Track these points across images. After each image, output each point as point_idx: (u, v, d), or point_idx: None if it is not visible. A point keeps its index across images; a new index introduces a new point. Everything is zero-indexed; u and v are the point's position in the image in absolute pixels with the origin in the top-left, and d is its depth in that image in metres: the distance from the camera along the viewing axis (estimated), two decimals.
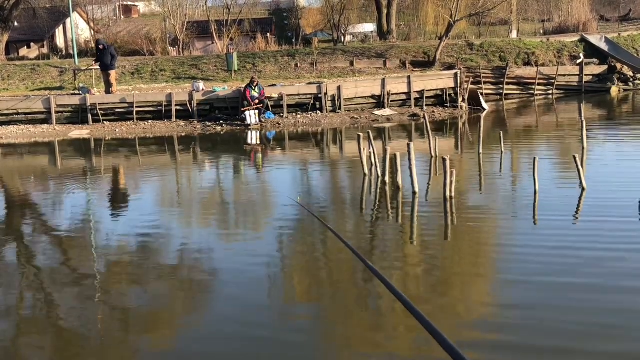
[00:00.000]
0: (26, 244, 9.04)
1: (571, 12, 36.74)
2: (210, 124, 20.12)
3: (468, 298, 6.43)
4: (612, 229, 8.14)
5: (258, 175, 13.87)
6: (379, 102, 21.78)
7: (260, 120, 20.06)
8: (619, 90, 26.29)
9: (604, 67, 26.78)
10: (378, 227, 9.14)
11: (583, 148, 13.07)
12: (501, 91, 25.10)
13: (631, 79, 27.08)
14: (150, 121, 20.64)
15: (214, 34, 33.90)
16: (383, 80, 22.00)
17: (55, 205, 11.61)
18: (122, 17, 53.96)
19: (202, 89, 21.17)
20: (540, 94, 25.75)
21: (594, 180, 10.44)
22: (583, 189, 9.88)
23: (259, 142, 18.45)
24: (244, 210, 10.33)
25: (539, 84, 25.69)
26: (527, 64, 26.46)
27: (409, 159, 10.06)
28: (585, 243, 7.68)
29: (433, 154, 13.01)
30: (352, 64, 25.63)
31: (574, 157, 9.83)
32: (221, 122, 20.19)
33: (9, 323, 6.22)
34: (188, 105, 20.83)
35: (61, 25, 41.68)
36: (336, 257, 7.65)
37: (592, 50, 27.34)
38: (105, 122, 20.48)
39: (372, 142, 12.01)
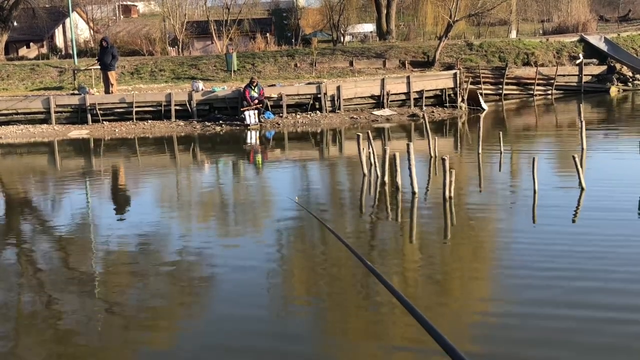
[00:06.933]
0: (25, 244, 9.03)
1: (570, 12, 36.75)
2: (209, 124, 20.12)
3: (467, 297, 6.43)
4: (611, 229, 8.15)
5: (257, 176, 13.88)
6: (378, 102, 21.79)
7: (259, 121, 20.06)
8: (618, 91, 26.29)
9: (603, 68, 26.79)
10: (377, 227, 9.15)
11: (582, 148, 13.07)
12: (500, 91, 25.11)
13: (630, 79, 27.09)
14: (149, 121, 20.63)
15: (214, 34, 33.88)
16: (382, 80, 22.01)
17: (54, 205, 11.61)
18: (122, 17, 53.95)
19: (202, 89, 21.16)
20: (540, 94, 25.75)
21: (593, 180, 10.45)
22: (582, 189, 9.88)
23: (258, 142, 18.44)
24: (243, 210, 10.34)
25: (538, 84, 25.69)
26: (526, 64, 26.47)
27: (409, 159, 10.06)
28: (584, 243, 7.69)
29: (432, 154, 13.01)
30: (351, 64, 25.64)
31: (573, 157, 9.83)
32: (220, 122, 20.19)
33: (9, 323, 6.22)
34: (187, 105, 20.82)
35: (60, 25, 41.67)
36: (335, 257, 7.65)
37: (591, 51, 27.34)
38: (104, 122, 20.47)
39: (372, 142, 12.01)
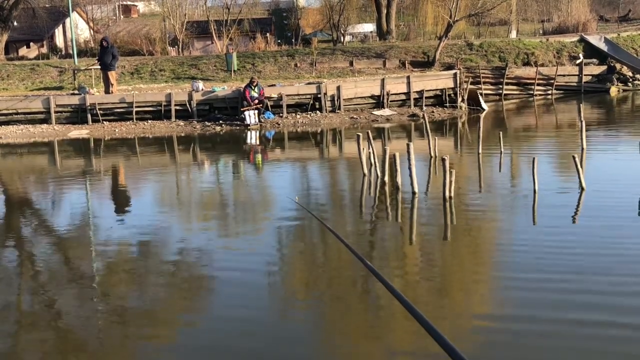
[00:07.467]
0: (26, 244, 9.03)
1: (570, 12, 36.75)
2: (209, 124, 20.12)
3: (467, 298, 6.43)
4: (612, 229, 8.15)
5: (257, 175, 13.88)
6: (378, 102, 21.78)
7: (259, 120, 20.06)
8: (618, 91, 26.29)
9: (603, 68, 26.79)
10: (377, 227, 9.15)
11: (582, 148, 13.08)
12: (500, 91, 25.11)
13: (630, 79, 27.09)
14: (149, 121, 20.63)
15: (214, 33, 33.87)
16: (382, 80, 22.00)
17: (54, 205, 11.61)
18: (122, 16, 53.94)
19: (202, 89, 21.16)
20: (540, 94, 25.74)
21: (593, 180, 10.44)
22: (582, 189, 9.88)
23: (258, 142, 18.44)
24: (243, 210, 10.34)
25: (538, 84, 25.69)
26: (526, 64, 26.46)
27: (409, 159, 10.06)
28: (585, 243, 7.69)
29: (432, 154, 13.01)
30: (351, 64, 25.63)
31: (574, 158, 9.83)
32: (220, 122, 20.19)
33: (9, 323, 6.22)
34: (187, 105, 20.82)
35: (60, 25, 41.66)
36: (335, 257, 7.66)
37: (591, 51, 27.34)
38: (104, 122, 20.47)
39: (372, 142, 12.01)
